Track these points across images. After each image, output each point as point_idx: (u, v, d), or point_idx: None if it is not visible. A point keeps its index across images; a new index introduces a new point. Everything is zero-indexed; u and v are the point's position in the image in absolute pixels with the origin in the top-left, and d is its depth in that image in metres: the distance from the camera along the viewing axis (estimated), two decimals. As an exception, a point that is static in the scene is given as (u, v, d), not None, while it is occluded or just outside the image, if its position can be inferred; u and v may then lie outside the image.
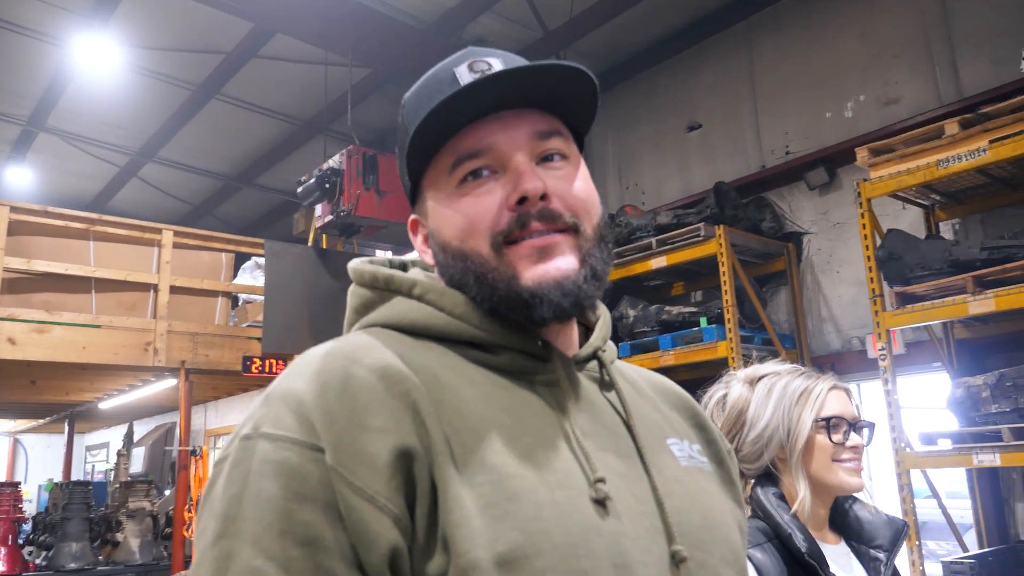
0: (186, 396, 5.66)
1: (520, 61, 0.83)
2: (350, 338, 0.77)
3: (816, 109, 5.92)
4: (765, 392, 1.48)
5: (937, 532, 6.74)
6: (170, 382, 6.41)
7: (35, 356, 5.31)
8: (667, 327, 5.70)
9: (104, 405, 8.14)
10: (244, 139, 9.64)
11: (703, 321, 5.44)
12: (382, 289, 0.83)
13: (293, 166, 9.79)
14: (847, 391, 1.53)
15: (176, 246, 6.07)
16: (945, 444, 4.11)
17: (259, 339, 6.14)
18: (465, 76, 0.80)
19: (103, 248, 5.77)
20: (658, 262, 5.64)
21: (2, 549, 5.17)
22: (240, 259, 7.24)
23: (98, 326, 5.58)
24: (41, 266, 5.40)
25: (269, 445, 0.65)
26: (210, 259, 6.40)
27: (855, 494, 1.52)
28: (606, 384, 0.85)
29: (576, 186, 0.83)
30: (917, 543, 4.06)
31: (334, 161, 6.49)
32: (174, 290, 5.96)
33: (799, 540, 1.35)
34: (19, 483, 6.71)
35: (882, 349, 4.24)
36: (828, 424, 1.43)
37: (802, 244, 5.88)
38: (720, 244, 5.25)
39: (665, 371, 5.78)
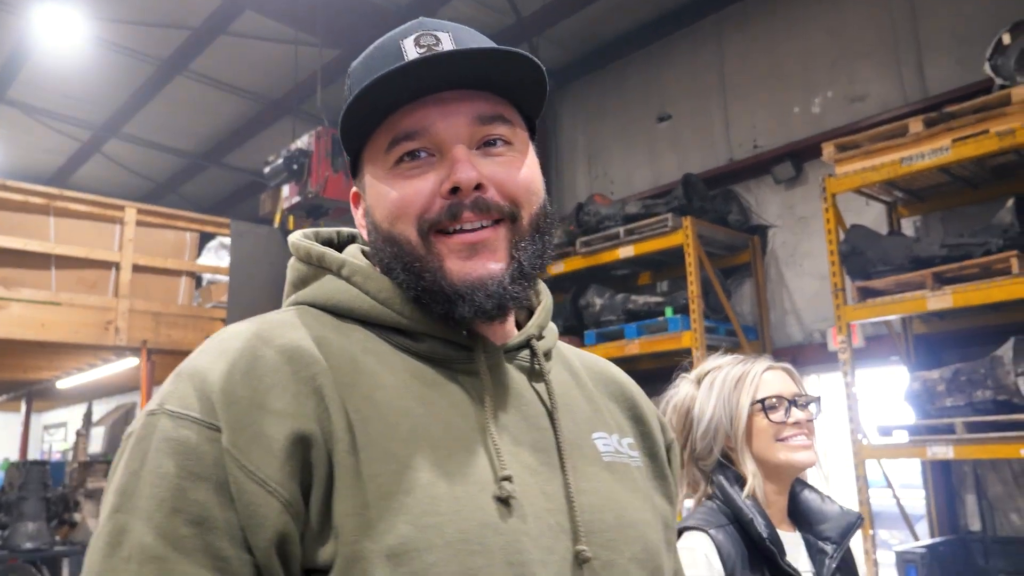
0: (147, 376, 5.58)
1: (474, 37, 0.80)
2: (271, 316, 0.77)
3: (784, 104, 5.99)
4: (708, 387, 1.52)
5: (890, 522, 6.90)
6: (131, 362, 6.32)
7: (-9, 333, 5.21)
8: (633, 316, 5.75)
9: (63, 384, 8.00)
10: (210, 117, 9.49)
11: (668, 311, 5.49)
12: (315, 266, 0.82)
13: (260, 146, 9.66)
14: (787, 370, 1.55)
15: (139, 224, 5.97)
16: (901, 436, 4.21)
17: (223, 320, 6.08)
18: (411, 51, 0.77)
19: (64, 224, 5.65)
20: (626, 251, 5.68)
21: (-45, 529, 5.08)
22: (205, 239, 7.13)
23: (58, 303, 5.47)
24: (0, 241, 5.29)
25: (170, 423, 0.66)
26: (174, 238, 6.30)
27: (811, 484, 1.54)
28: (536, 374, 0.82)
29: (517, 173, 0.80)
30: (871, 532, 4.16)
31: (302, 142, 6.42)
32: (136, 268, 5.86)
33: (760, 525, 1.38)
34: (-27, 462, 6.58)
35: (842, 342, 4.32)
36: (764, 404, 1.45)
37: (767, 237, 5.95)
38: (687, 235, 5.30)
39: (630, 359, 5.84)
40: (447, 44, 0.77)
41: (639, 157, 7.10)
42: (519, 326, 0.89)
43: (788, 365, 1.57)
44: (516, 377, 0.80)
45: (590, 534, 0.73)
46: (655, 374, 6.78)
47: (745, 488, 1.42)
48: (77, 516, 5.90)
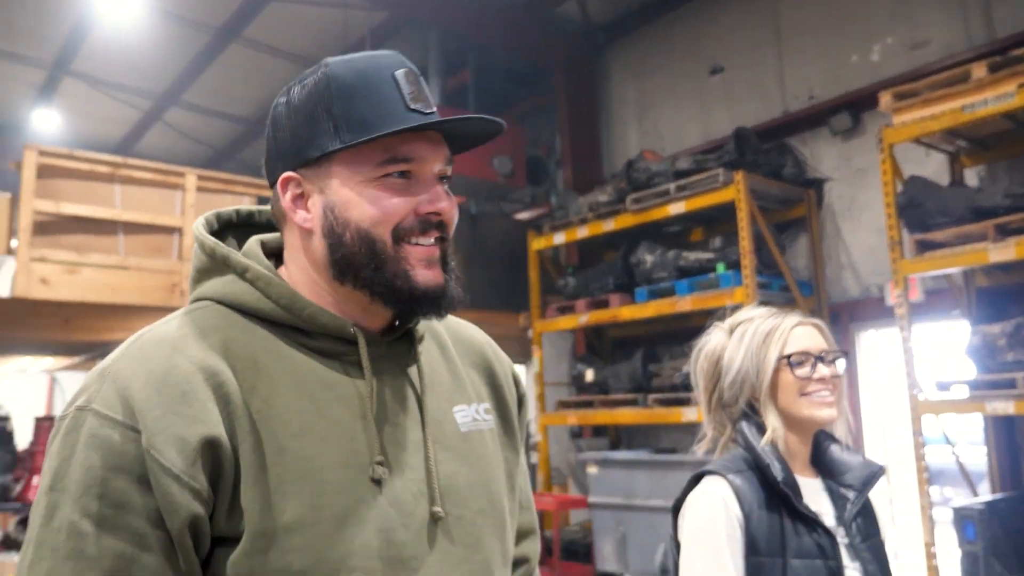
0: (212, 337, 5.78)
1: (424, 83, 0.96)
2: (183, 322, 0.88)
3: (841, 53, 5.81)
4: (738, 338, 1.56)
5: (952, 479, 6.79)
6: (196, 323, 6.54)
7: (67, 296, 5.44)
8: (684, 273, 5.72)
9: (134, 346, 8.37)
10: (265, 83, 9.63)
11: (720, 267, 5.45)
12: (219, 261, 0.93)
13: (315, 110, 9.78)
14: (817, 326, 1.57)
15: (199, 189, 6.14)
16: (959, 391, 4.13)
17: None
18: (404, 85, 0.90)
19: (129, 191, 5.85)
20: (676, 208, 5.63)
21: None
22: (262, 203, 7.30)
23: (126, 268, 5.70)
24: (70, 209, 5.50)
25: (96, 421, 0.79)
26: (232, 202, 6.47)
27: (836, 436, 1.57)
28: (411, 357, 0.97)
29: (456, 208, 0.96)
30: (927, 488, 4.12)
31: (354, 105, 6.49)
32: (199, 233, 6.06)
33: (776, 470, 1.43)
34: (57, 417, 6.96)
35: (899, 296, 4.24)
36: (790, 360, 1.50)
37: (823, 190, 5.83)
38: (739, 190, 5.23)
39: (681, 316, 5.82)
40: (426, 90, 0.94)
41: (690, 112, 6.99)
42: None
43: (819, 321, 1.59)
44: (394, 364, 0.95)
45: (444, 496, 0.90)
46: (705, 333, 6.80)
47: (765, 436, 1.48)
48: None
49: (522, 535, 1.11)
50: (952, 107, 4.06)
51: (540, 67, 8.22)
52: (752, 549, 1.39)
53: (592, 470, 6.11)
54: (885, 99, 4.34)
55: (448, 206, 0.93)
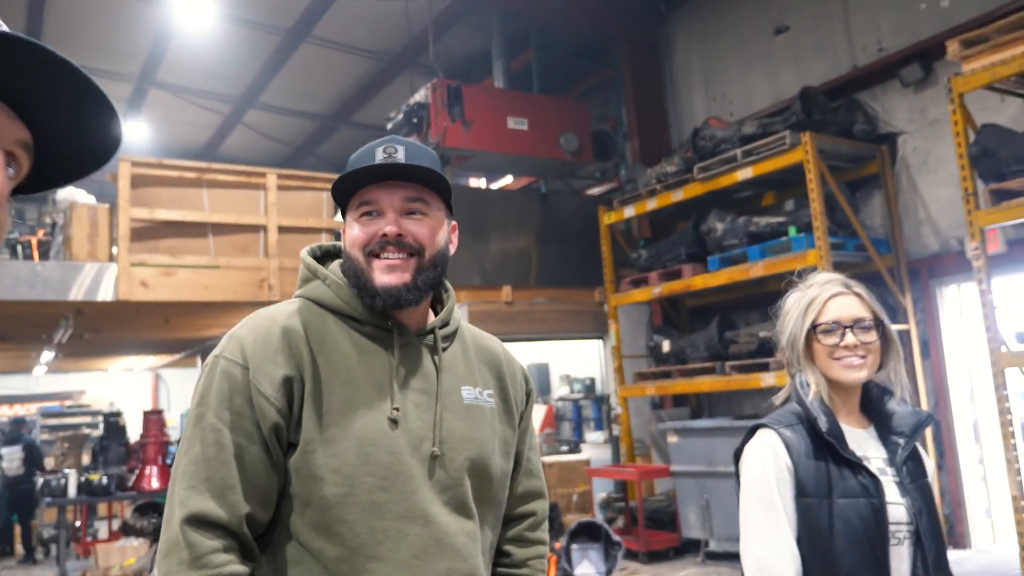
0: (300, 327, 6.08)
1: (422, 151, 1.35)
2: (283, 306, 1.34)
3: (910, 1, 5.63)
4: (795, 301, 1.74)
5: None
6: (285, 315, 6.87)
7: (165, 297, 5.83)
8: (756, 238, 5.69)
9: (230, 339, 8.83)
10: (336, 79, 9.93)
11: (792, 231, 5.41)
12: (311, 274, 1.39)
13: (384, 101, 10.03)
14: (859, 295, 1.70)
15: (280, 188, 6.43)
16: (1046, 342, 4.03)
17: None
18: (379, 156, 1.32)
19: (215, 194, 6.19)
20: (744, 173, 5.60)
21: (154, 468, 5.83)
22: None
23: (217, 267, 6.05)
24: (163, 215, 5.87)
25: (225, 363, 1.25)
26: (312, 198, 6.76)
27: (887, 387, 1.72)
28: (435, 349, 1.37)
29: (426, 229, 1.33)
30: (1012, 442, 4.03)
31: (420, 96, 6.66)
32: (281, 229, 6.36)
33: (822, 422, 1.62)
34: (163, 411, 7.43)
35: (976, 249, 4.15)
36: (819, 329, 1.67)
37: (896, 145, 5.69)
38: (806, 151, 5.16)
39: (754, 283, 5.80)
40: (400, 155, 1.31)
41: (757, 74, 6.89)
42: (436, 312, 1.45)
43: (861, 291, 1.72)
44: (421, 350, 1.35)
45: (443, 442, 1.29)
46: (781, 295, 6.70)
47: (811, 391, 1.68)
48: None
49: (531, 496, 1.49)
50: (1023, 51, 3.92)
51: (603, 41, 8.22)
52: (801, 492, 1.59)
53: (673, 439, 6.17)
54: (952, 48, 4.23)
55: (393, 228, 1.30)
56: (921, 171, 5.56)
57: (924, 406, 5.37)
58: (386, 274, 1.30)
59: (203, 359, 11.26)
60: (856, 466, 1.59)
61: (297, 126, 11.43)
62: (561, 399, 9.82)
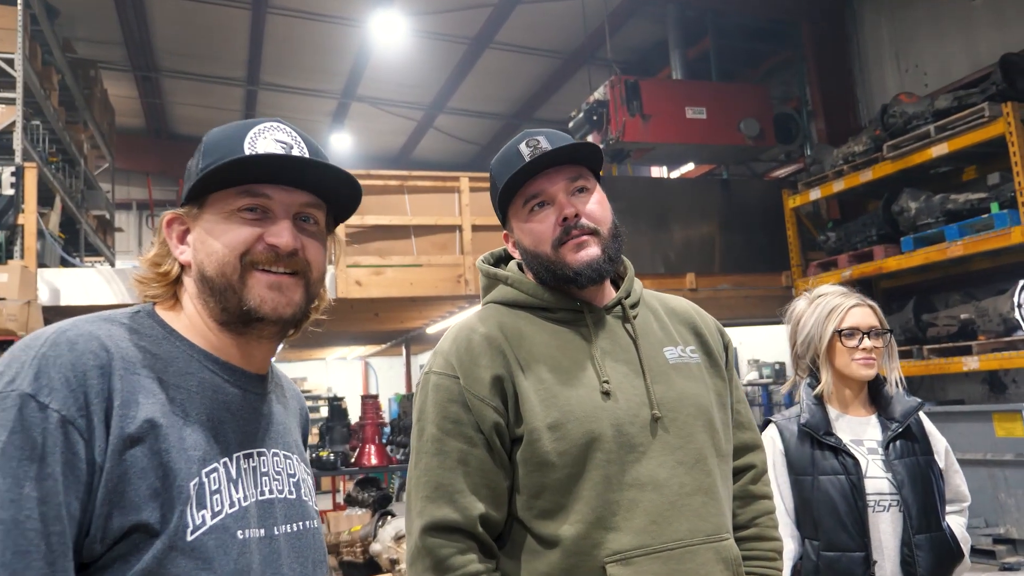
0: (495, 319, 6.53)
1: (559, 134, 1.38)
2: (475, 316, 1.41)
3: None
4: (812, 309, 2.12)
5: None
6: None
7: (376, 294, 6.48)
8: (954, 216, 5.45)
9: (430, 329, 9.50)
10: (519, 80, 10.38)
11: (994, 207, 5.14)
12: (492, 279, 1.46)
13: (563, 98, 10.37)
14: (872, 307, 2.08)
15: (472, 189, 6.92)
16: None
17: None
18: (525, 152, 1.35)
19: (415, 199, 6.78)
20: (939, 149, 5.38)
21: (372, 447, 6.49)
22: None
23: (419, 265, 6.63)
24: (372, 220, 6.52)
25: (436, 377, 1.33)
26: (501, 197, 7.18)
27: (889, 381, 2.09)
28: (626, 319, 1.40)
29: (594, 207, 1.37)
30: None
31: (599, 93, 6.89)
32: (475, 228, 6.84)
33: (803, 417, 2.05)
34: (377, 396, 8.20)
35: None
36: (842, 334, 2.04)
37: (1118, 109, 5.22)
38: (1008, 123, 4.89)
39: (954, 262, 5.56)
40: (545, 143, 1.35)
41: (955, 43, 6.51)
42: (616, 287, 1.47)
43: (873, 303, 2.10)
44: (613, 323, 1.40)
45: (661, 404, 1.32)
46: (989, 275, 6.28)
47: (817, 388, 2.07)
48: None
49: (746, 449, 1.49)
50: None
51: (783, 21, 8.05)
52: (791, 469, 2.02)
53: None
54: None
55: (571, 209, 1.34)
56: None
57: None
58: (578, 252, 1.33)
59: (407, 348, 12.20)
60: (836, 449, 1.98)
61: (483, 126, 12.03)
62: (750, 384, 9.74)
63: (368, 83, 10.46)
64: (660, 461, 1.27)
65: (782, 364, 9.25)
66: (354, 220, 6.47)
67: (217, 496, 0.94)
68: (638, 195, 7.20)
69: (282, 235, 1.01)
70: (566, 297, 1.38)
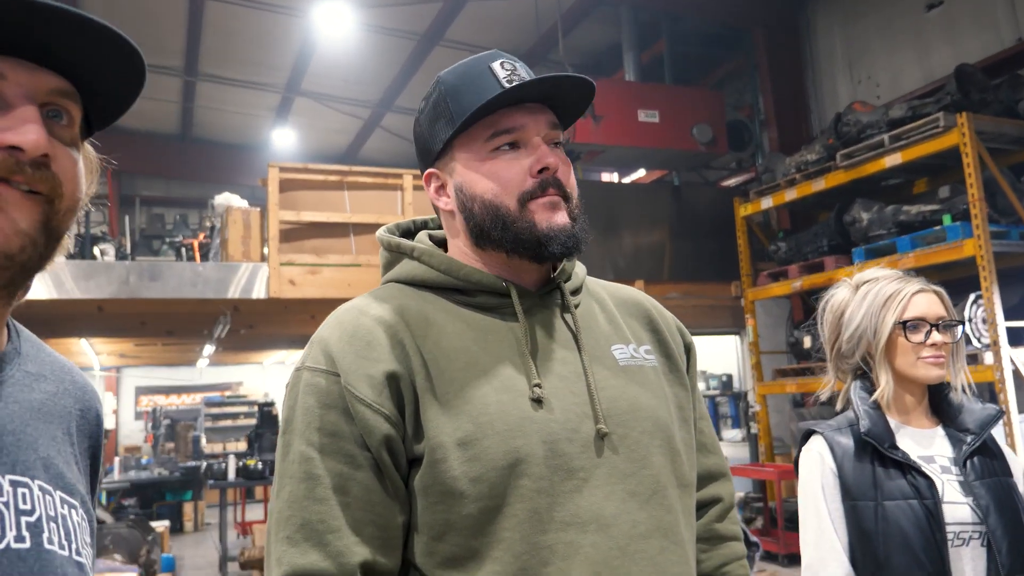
0: (436, 323, 6.26)
1: (527, 68, 1.07)
2: (368, 296, 1.08)
3: (1084, -36, 5.14)
4: (861, 297, 1.67)
5: None
6: (422, 312, 7.09)
7: (311, 294, 6.14)
8: (906, 228, 5.37)
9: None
10: (469, 79, 10.12)
11: (946, 219, 5.06)
12: (396, 252, 1.12)
13: (515, 100, 10.15)
14: (937, 293, 1.65)
15: (415, 188, 6.64)
16: None
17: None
18: (500, 73, 1.02)
19: (356, 196, 6.47)
20: (892, 159, 5.28)
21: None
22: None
23: (358, 265, 6.31)
24: (308, 216, 6.19)
25: (309, 374, 0.98)
26: (446, 197, 6.93)
27: (954, 386, 1.65)
28: (566, 308, 1.09)
29: (569, 171, 1.07)
30: None
31: (550, 92, 6.68)
32: (418, 228, 6.57)
33: (863, 424, 1.60)
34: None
35: None
36: (906, 326, 1.61)
37: (1069, 123, 5.20)
38: (963, 133, 4.81)
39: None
40: (522, 71, 1.03)
41: (906, 54, 6.47)
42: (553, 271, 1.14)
43: (939, 288, 1.67)
44: (548, 312, 1.07)
45: (608, 417, 0.99)
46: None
47: (875, 394, 1.63)
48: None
49: (712, 477, 1.19)
50: None
51: (737, 28, 7.97)
52: (846, 494, 1.57)
53: (816, 439, 5.91)
54: None
55: (555, 160, 1.03)
56: (1098, 151, 5.06)
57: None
58: (553, 212, 1.02)
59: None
60: (905, 466, 1.55)
61: (432, 127, 11.73)
62: (697, 396, 9.63)
63: (312, 78, 10.10)
64: (607, 492, 0.96)
65: (730, 376, 9.14)
66: (289, 216, 6.13)
67: None
68: (589, 200, 6.79)
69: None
70: (487, 274, 1.05)
